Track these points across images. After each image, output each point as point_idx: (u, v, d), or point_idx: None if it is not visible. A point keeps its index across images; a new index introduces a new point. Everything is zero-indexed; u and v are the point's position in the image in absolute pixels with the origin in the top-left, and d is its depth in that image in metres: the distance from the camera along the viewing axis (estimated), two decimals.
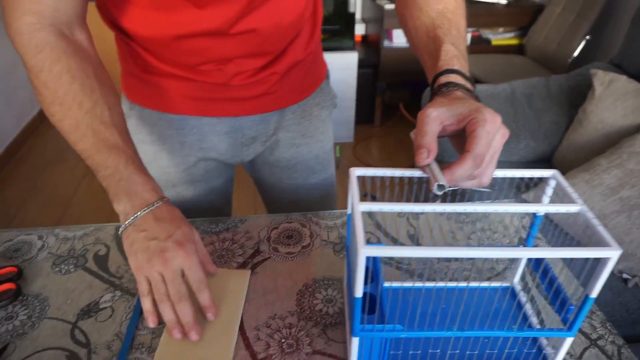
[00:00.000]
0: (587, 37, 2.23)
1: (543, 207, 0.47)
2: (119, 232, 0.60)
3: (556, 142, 1.71)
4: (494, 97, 1.74)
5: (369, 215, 0.80)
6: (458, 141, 0.51)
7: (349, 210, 0.53)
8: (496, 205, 0.47)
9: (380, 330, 0.47)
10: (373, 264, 0.54)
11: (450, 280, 0.67)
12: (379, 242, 0.74)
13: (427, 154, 0.48)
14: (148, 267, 0.56)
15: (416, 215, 0.80)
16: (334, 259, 0.71)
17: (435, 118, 0.48)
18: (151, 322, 0.58)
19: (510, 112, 1.71)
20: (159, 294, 0.57)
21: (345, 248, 0.57)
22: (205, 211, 0.91)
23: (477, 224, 0.79)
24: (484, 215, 0.81)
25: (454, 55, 0.57)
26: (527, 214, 0.82)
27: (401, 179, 0.51)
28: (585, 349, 0.58)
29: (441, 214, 0.81)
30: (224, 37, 0.68)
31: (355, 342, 0.48)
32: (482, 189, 0.50)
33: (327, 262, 0.70)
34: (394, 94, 2.96)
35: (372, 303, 0.52)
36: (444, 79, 0.55)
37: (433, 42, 0.60)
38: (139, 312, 0.62)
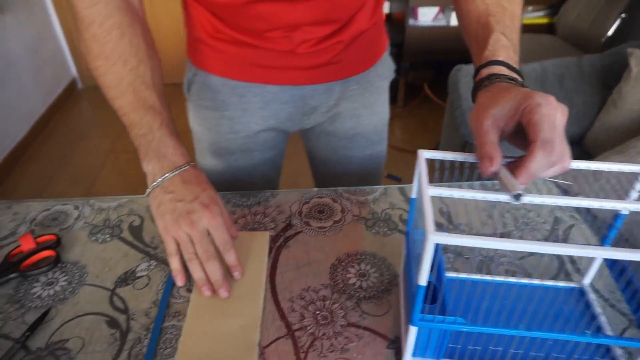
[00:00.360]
0: (623, 15, 2.14)
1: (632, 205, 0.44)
2: (146, 193, 0.61)
3: (588, 124, 1.67)
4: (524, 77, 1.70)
5: (401, 192, 0.80)
6: (519, 140, 0.47)
7: (413, 194, 0.52)
8: (588, 201, 0.44)
9: (441, 322, 0.46)
10: (435, 251, 0.52)
11: (507, 273, 0.65)
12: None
13: (491, 162, 0.45)
14: (175, 228, 0.58)
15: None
16: (366, 234, 0.71)
17: (492, 125, 0.46)
18: (179, 280, 0.60)
19: (538, 90, 1.67)
20: (188, 253, 0.59)
21: (406, 234, 0.55)
22: (257, 181, 0.93)
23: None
24: None
25: (503, 45, 0.54)
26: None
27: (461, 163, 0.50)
28: None
29: None
30: (295, 2, 0.68)
31: (413, 332, 0.47)
32: (563, 182, 0.47)
33: (359, 237, 0.70)
34: (418, 74, 2.91)
35: (432, 293, 0.50)
36: (486, 71, 0.52)
37: (483, 30, 0.58)
38: (172, 281, 0.62)
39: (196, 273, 0.59)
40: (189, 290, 0.62)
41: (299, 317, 0.58)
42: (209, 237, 0.60)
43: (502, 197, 0.43)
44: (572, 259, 0.67)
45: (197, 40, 0.80)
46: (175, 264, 0.60)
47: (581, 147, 1.70)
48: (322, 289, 0.62)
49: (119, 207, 0.76)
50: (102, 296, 0.61)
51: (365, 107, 0.89)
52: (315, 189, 0.80)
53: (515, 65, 0.53)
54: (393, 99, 2.85)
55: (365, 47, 0.83)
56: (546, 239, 0.70)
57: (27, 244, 0.66)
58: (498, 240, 0.39)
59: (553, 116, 0.43)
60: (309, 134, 0.96)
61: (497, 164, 0.45)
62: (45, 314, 0.58)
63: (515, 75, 0.52)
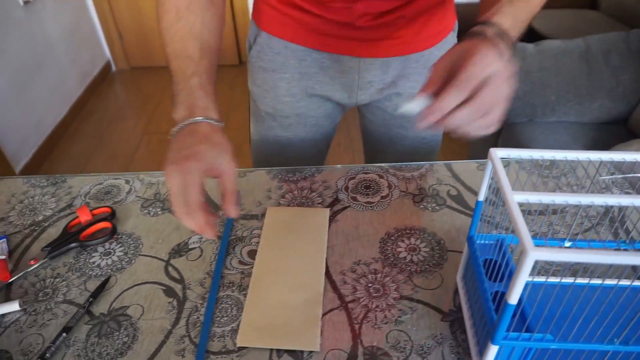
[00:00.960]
0: None
1: None
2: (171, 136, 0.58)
3: (635, 102, 1.60)
4: (566, 54, 1.63)
5: (448, 168, 0.78)
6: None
7: (480, 197, 0.49)
8: None
9: (527, 340, 0.42)
10: (501, 254, 0.51)
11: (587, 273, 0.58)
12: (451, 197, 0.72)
13: (430, 84, 0.49)
14: (166, 172, 0.53)
15: None
16: (414, 210, 0.70)
17: (439, 66, 0.49)
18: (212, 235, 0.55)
19: (584, 70, 1.60)
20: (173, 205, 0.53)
21: (468, 239, 0.52)
22: (308, 149, 0.94)
23: (562, 179, 0.76)
24: (571, 169, 0.77)
25: (503, 12, 0.53)
26: (616, 167, 0.78)
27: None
28: None
29: (521, 165, 0.78)
30: None
31: (492, 351, 0.43)
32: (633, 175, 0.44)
33: (408, 212, 0.70)
34: None
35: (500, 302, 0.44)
36: (473, 30, 0.52)
37: (491, 2, 0.56)
38: (224, 254, 0.64)
39: (189, 225, 0.53)
40: (242, 263, 0.63)
41: (351, 289, 0.59)
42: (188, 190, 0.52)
43: (598, 200, 0.41)
44: None
45: (263, 3, 0.81)
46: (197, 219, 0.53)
47: (626, 127, 1.63)
48: (373, 262, 0.62)
49: None
50: (158, 266, 0.63)
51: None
52: (361, 165, 0.79)
53: (510, 32, 0.52)
54: None
55: (428, 24, 0.80)
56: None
57: (84, 216, 0.69)
58: (610, 254, 0.34)
59: (482, 67, 0.45)
60: (364, 110, 0.95)
61: (433, 85, 0.49)
62: (106, 281, 0.60)
63: (500, 38, 0.50)
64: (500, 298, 0.47)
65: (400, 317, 0.55)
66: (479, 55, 0.46)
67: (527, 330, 0.44)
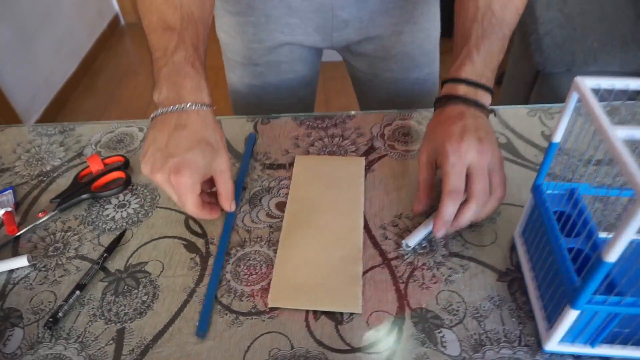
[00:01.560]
0: None
1: None
2: (150, 120, 0.51)
3: None
4: None
5: (495, 114, 0.70)
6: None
7: (556, 138, 0.41)
8: None
9: (615, 305, 0.36)
10: (572, 204, 0.44)
11: None
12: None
13: (418, 203, 0.53)
14: (152, 176, 0.48)
15: (550, 114, 0.69)
16: None
17: (426, 164, 0.52)
18: (224, 208, 0.55)
19: (630, 14, 1.46)
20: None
21: (534, 187, 0.46)
22: (287, 98, 0.86)
23: None
24: None
25: (471, 60, 0.53)
26: None
27: None
28: None
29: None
30: None
31: (571, 317, 0.37)
32: None
33: None
34: None
35: (583, 262, 0.37)
36: (446, 89, 0.54)
37: (462, 38, 0.56)
38: (238, 203, 0.57)
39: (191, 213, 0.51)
40: (269, 216, 0.56)
41: (393, 245, 0.52)
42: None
43: None
44: None
45: None
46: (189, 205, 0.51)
47: None
48: (417, 216, 0.55)
49: None
50: (177, 219, 0.57)
51: (407, 22, 0.77)
52: (396, 110, 0.71)
53: (482, 79, 0.53)
54: (450, 32, 2.64)
55: None
56: None
57: (96, 165, 0.62)
58: None
59: (461, 167, 0.48)
60: (347, 54, 0.85)
61: (422, 206, 0.53)
62: (121, 235, 0.55)
63: (473, 96, 0.52)
64: (576, 256, 0.40)
65: (450, 276, 0.49)
66: (451, 157, 0.48)
67: (614, 294, 0.38)
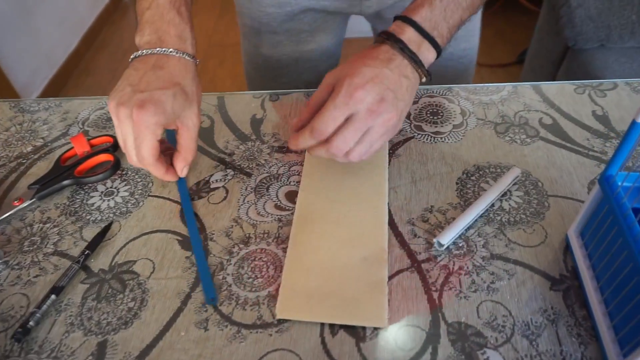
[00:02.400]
0: None
1: None
2: (130, 61, 0.48)
3: None
4: None
5: (536, 90, 0.61)
6: None
7: None
8: None
9: None
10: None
11: None
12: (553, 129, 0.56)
13: (297, 122, 0.47)
14: (114, 119, 0.46)
15: (602, 91, 0.60)
16: (497, 142, 0.54)
17: (327, 85, 0.45)
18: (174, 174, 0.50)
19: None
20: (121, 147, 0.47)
21: (602, 179, 0.37)
22: (306, 72, 0.77)
23: None
24: None
25: (432, 2, 0.46)
26: None
27: None
28: None
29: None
30: None
31: None
32: None
33: (490, 145, 0.53)
34: None
35: None
36: (392, 26, 0.47)
37: None
38: (186, 189, 0.50)
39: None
40: (278, 207, 0.49)
41: (424, 245, 0.44)
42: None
43: None
44: None
45: None
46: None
47: None
48: (450, 209, 0.47)
49: None
50: (172, 210, 0.49)
51: None
52: (423, 87, 0.63)
53: (434, 32, 0.46)
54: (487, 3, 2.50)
55: None
56: None
57: (81, 146, 0.55)
58: None
59: (343, 110, 0.42)
60: (376, 21, 0.76)
61: (299, 122, 0.46)
62: (107, 228, 0.47)
63: (414, 45, 0.45)
64: None
65: (493, 282, 0.41)
66: (341, 95, 0.42)
67: None
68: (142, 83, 0.45)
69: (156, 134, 0.45)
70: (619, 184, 0.36)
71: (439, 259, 0.43)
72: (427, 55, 0.46)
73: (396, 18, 0.47)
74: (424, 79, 0.47)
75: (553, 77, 1.55)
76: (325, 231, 0.45)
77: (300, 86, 0.78)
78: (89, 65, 2.37)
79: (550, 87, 0.61)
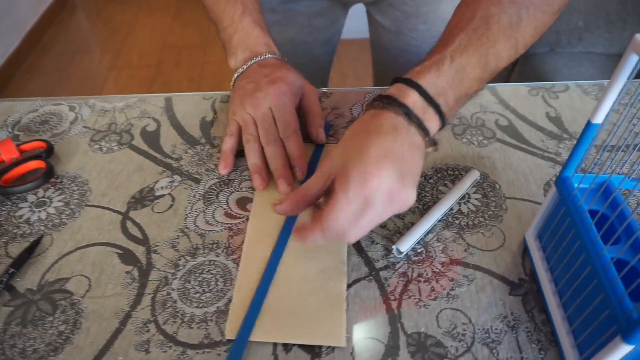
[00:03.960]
0: None
1: None
2: (231, 86, 0.54)
3: None
4: None
5: (492, 92, 0.61)
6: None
7: (597, 119, 0.32)
8: None
9: None
10: (609, 202, 0.34)
11: None
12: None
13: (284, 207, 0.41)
14: (240, 110, 0.50)
15: (554, 93, 0.60)
16: (455, 144, 0.53)
17: (324, 173, 0.39)
18: (222, 167, 0.49)
19: None
20: (246, 135, 0.49)
21: (559, 180, 0.36)
22: (301, 55, 0.77)
23: None
24: None
25: (440, 70, 0.40)
26: None
27: None
28: None
29: None
30: None
31: (622, 352, 0.29)
32: None
33: (447, 147, 0.53)
34: None
35: (628, 278, 0.30)
36: (392, 89, 0.41)
37: (441, 41, 0.43)
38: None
39: (250, 158, 0.48)
40: (229, 215, 0.46)
41: (381, 251, 0.42)
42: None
43: None
44: None
45: None
46: (225, 144, 0.50)
47: None
48: (408, 213, 0.46)
49: (127, 108, 0.58)
50: (112, 221, 0.45)
51: None
52: (380, 88, 0.61)
53: (440, 98, 0.40)
54: None
55: None
56: None
57: (9, 152, 0.50)
58: None
59: (359, 198, 0.35)
60: (373, 10, 0.76)
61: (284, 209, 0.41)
62: (36, 243, 0.43)
63: (419, 110, 0.39)
64: (617, 269, 0.31)
65: (453, 289, 0.40)
66: (352, 184, 0.35)
67: None
68: (257, 77, 0.50)
69: (293, 100, 0.50)
70: (575, 185, 0.35)
71: (397, 266, 0.41)
72: (432, 124, 0.40)
73: (396, 80, 0.42)
74: (429, 150, 0.41)
75: (506, 80, 1.59)
76: (279, 243, 0.42)
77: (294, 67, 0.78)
78: (32, 67, 2.23)
79: (506, 89, 0.61)
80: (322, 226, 0.36)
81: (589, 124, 0.32)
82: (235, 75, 0.53)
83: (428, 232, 0.44)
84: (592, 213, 0.34)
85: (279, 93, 0.49)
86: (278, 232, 0.43)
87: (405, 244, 0.42)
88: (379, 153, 0.36)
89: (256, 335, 0.36)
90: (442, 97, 0.40)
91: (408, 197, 0.37)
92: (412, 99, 0.39)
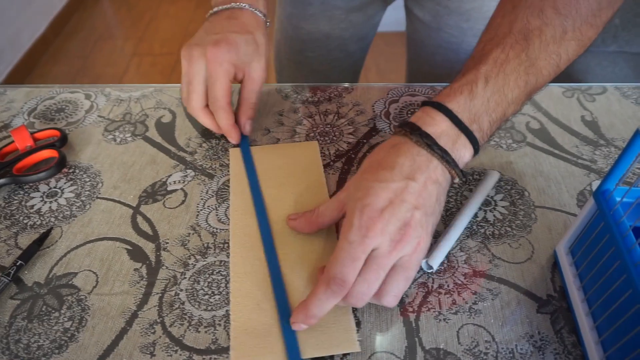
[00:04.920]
0: None
1: None
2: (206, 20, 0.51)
3: None
4: None
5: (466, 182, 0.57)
6: None
7: None
8: None
9: None
10: None
11: None
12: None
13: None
14: (184, 61, 0.47)
15: (591, 96, 0.57)
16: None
17: (339, 201, 0.38)
18: (234, 139, 0.49)
19: None
20: (182, 93, 0.48)
21: (598, 193, 0.33)
22: (336, 48, 0.75)
23: None
24: None
25: (472, 92, 0.37)
26: None
27: None
28: None
29: None
30: None
31: None
32: None
33: None
34: None
35: None
36: (419, 113, 0.38)
37: (474, 59, 0.39)
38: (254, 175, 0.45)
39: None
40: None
41: None
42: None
43: None
44: None
45: None
46: (222, 120, 0.48)
47: None
48: None
49: (143, 98, 0.57)
50: (122, 215, 0.44)
51: None
52: (404, 84, 0.59)
53: (474, 125, 0.37)
54: None
55: None
56: None
57: (23, 140, 0.49)
58: None
59: (363, 247, 0.33)
60: (411, 4, 0.73)
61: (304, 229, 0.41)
62: (46, 235, 0.42)
63: (449, 141, 0.36)
64: None
65: (475, 303, 0.37)
66: (354, 230, 0.33)
67: None
68: (216, 28, 0.47)
69: (229, 73, 0.46)
70: (618, 199, 0.32)
71: (416, 275, 0.39)
72: (463, 153, 0.37)
73: (425, 104, 0.38)
74: (456, 180, 0.37)
75: None
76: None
77: (324, 63, 0.77)
78: (58, 52, 2.26)
79: None
80: (328, 275, 0.33)
81: (638, 133, 0.29)
82: (209, 12, 0.50)
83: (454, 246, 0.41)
84: (636, 231, 0.31)
85: (215, 59, 0.45)
86: (260, 244, 0.41)
87: (437, 259, 0.39)
88: (386, 194, 0.34)
89: (267, 357, 0.34)
90: (475, 124, 0.37)
91: (418, 242, 0.34)
92: (441, 127, 0.36)
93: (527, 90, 0.39)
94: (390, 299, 0.34)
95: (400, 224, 0.34)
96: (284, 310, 0.36)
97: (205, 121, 0.48)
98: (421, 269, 0.39)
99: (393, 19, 1.02)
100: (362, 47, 0.79)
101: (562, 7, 0.38)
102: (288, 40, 0.77)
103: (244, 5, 0.49)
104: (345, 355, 0.34)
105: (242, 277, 0.38)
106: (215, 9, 0.49)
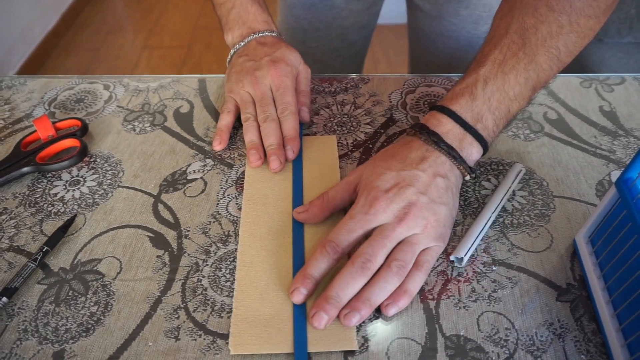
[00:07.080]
0: None
1: None
2: (227, 63, 0.54)
3: None
4: None
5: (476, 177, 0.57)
6: None
7: None
8: None
9: None
10: None
11: None
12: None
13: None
14: (238, 88, 0.50)
15: (609, 86, 0.56)
16: (500, 137, 0.50)
17: (347, 182, 0.41)
18: (216, 142, 0.49)
19: None
20: (244, 114, 0.49)
21: (621, 181, 0.33)
22: (337, 37, 0.76)
23: None
24: None
25: (472, 93, 0.40)
26: None
27: None
28: None
29: None
30: None
31: None
32: None
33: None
34: None
35: None
36: (427, 117, 0.42)
37: (476, 61, 0.42)
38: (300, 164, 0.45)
39: (248, 134, 0.48)
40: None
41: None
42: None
43: None
44: None
45: None
46: (222, 121, 0.50)
47: None
48: None
49: (160, 88, 0.57)
50: (143, 203, 0.45)
51: None
52: (420, 75, 0.58)
53: (478, 124, 0.40)
54: None
55: None
56: None
57: (45, 130, 0.50)
58: None
59: (366, 220, 0.37)
60: None
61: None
62: (70, 222, 0.42)
63: (455, 140, 0.40)
64: None
65: (495, 291, 0.38)
66: (361, 204, 0.38)
67: None
68: (257, 55, 0.50)
69: (293, 81, 0.50)
70: None
71: (435, 263, 0.39)
72: (470, 150, 0.40)
73: (432, 108, 0.42)
74: (467, 177, 0.41)
75: None
76: (276, 245, 0.40)
77: (326, 52, 0.77)
78: (69, 45, 2.27)
79: (556, 80, 0.57)
80: (326, 239, 0.37)
81: None
82: (232, 51, 0.53)
83: (467, 228, 0.41)
84: None
85: (280, 74, 0.49)
86: (271, 235, 0.41)
87: (464, 250, 0.39)
88: (393, 179, 0.38)
89: (264, 347, 0.34)
90: (479, 123, 0.40)
91: (425, 224, 0.37)
92: (446, 127, 0.40)
93: (529, 86, 0.41)
94: (407, 296, 0.36)
95: (404, 203, 0.37)
96: (301, 305, 0.36)
97: (277, 131, 0.47)
98: (452, 262, 0.39)
99: (402, 11, 1.02)
100: (364, 35, 0.79)
101: (555, 3, 0.40)
102: (290, 31, 0.77)
103: (265, 32, 0.52)
104: (363, 343, 0.35)
105: (248, 266, 0.39)
106: (236, 47, 0.53)
